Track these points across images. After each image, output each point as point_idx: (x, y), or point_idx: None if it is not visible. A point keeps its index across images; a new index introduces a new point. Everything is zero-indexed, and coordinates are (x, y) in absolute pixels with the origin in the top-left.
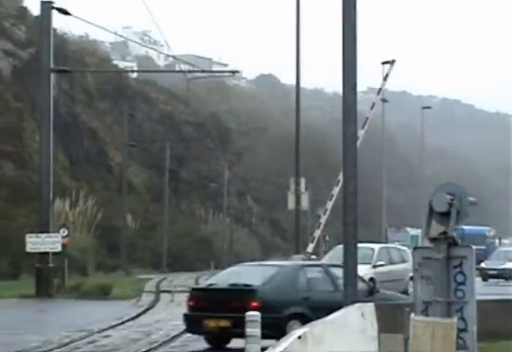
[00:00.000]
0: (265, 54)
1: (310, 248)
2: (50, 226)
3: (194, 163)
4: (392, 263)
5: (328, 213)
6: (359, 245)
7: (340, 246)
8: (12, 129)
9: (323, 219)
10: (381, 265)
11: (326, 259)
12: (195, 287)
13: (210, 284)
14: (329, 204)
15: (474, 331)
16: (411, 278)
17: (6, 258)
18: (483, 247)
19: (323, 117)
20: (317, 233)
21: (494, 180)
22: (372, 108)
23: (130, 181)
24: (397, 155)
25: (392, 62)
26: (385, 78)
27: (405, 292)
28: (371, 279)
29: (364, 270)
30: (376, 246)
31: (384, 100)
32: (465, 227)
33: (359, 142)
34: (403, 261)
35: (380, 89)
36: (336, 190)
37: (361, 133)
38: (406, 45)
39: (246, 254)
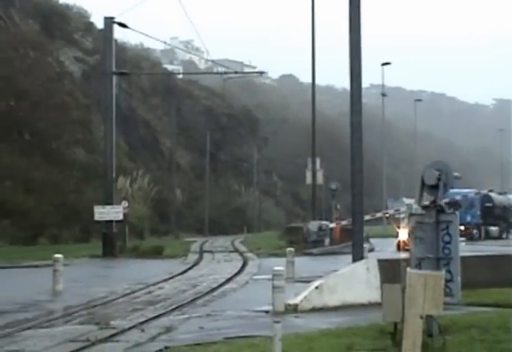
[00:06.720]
0: (287, 57)
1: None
2: (113, 199)
3: (229, 147)
4: None
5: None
6: None
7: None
8: (82, 121)
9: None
10: None
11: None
12: None
13: None
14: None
15: (459, 281)
16: None
17: (79, 225)
18: None
19: (333, 109)
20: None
21: (473, 159)
22: None
23: (177, 162)
24: (394, 139)
25: None
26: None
27: None
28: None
29: None
30: None
31: (383, 95)
32: None
33: None
34: None
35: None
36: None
37: None
38: (400, 47)
39: (272, 221)
